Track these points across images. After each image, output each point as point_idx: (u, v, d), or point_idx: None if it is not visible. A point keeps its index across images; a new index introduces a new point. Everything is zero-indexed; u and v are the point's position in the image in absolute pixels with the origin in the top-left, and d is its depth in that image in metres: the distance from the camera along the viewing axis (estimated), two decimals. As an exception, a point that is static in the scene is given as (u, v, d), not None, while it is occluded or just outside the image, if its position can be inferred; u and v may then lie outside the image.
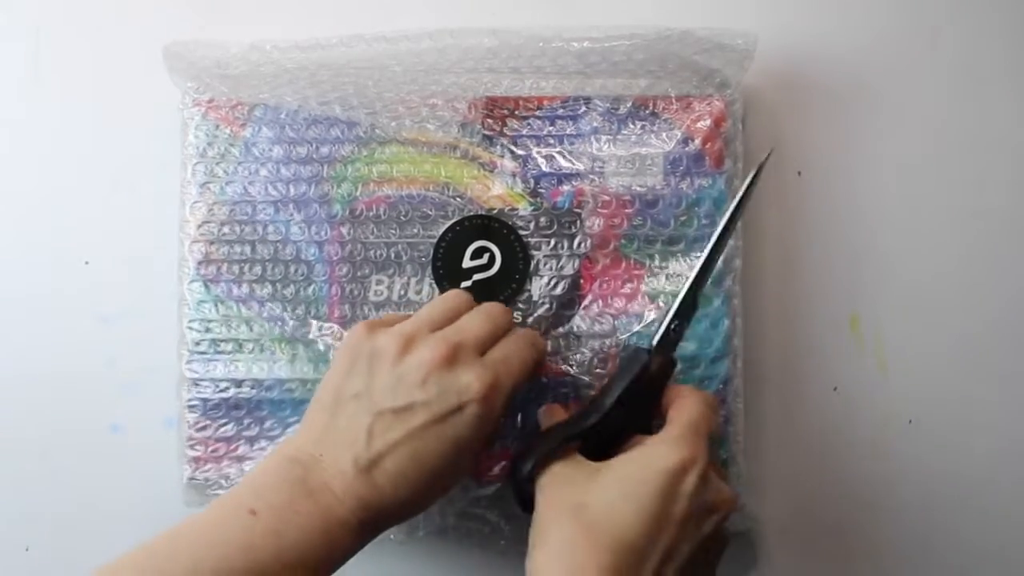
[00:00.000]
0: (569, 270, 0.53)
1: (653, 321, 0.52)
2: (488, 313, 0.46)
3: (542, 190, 0.53)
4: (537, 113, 0.53)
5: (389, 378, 0.43)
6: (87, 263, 0.58)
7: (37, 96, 0.59)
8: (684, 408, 0.45)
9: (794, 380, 0.57)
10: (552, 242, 0.53)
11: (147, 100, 0.57)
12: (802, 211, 0.58)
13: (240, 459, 0.53)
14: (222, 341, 0.53)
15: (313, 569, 0.41)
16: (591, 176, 0.53)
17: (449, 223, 0.53)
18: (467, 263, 0.53)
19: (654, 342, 0.48)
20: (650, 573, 0.41)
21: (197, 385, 0.53)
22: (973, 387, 0.58)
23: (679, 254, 0.53)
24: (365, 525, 0.42)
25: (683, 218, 0.53)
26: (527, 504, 0.45)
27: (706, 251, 0.49)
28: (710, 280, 0.51)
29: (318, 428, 0.44)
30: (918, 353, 0.58)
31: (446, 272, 0.53)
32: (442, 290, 0.53)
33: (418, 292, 0.52)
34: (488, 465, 0.52)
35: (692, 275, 0.48)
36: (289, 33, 0.54)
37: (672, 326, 0.48)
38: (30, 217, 0.58)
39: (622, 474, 0.43)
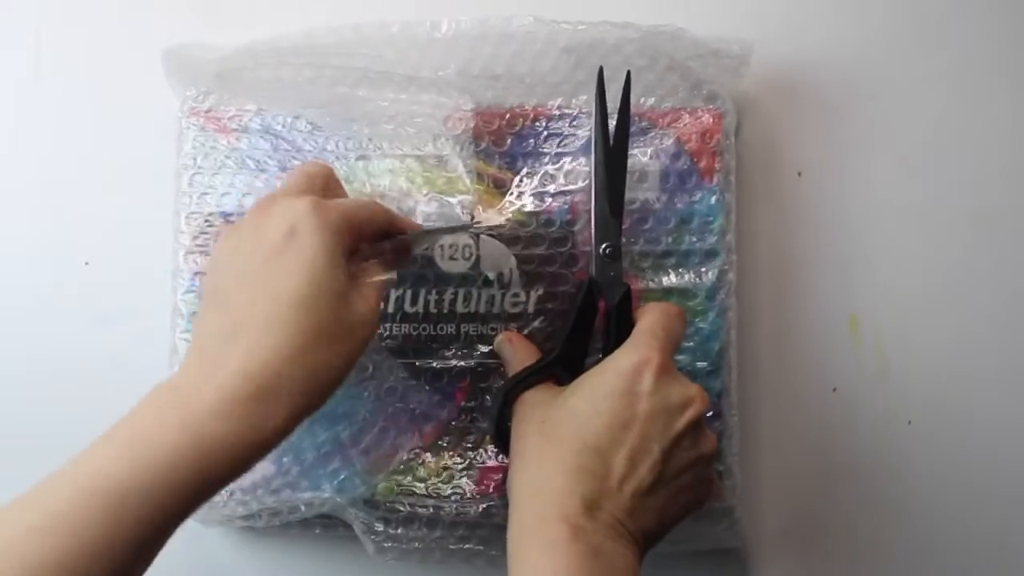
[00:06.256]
0: (563, 284, 0.52)
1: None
2: (303, 170, 0.44)
3: (536, 204, 0.52)
4: (530, 127, 0.53)
5: (225, 249, 0.42)
6: (87, 263, 0.58)
7: (38, 96, 0.59)
8: (643, 318, 0.46)
9: (793, 381, 0.58)
10: (545, 256, 0.52)
11: (148, 100, 0.57)
12: (802, 212, 0.58)
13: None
14: None
15: (195, 467, 0.37)
16: (584, 191, 0.52)
17: (444, 235, 0.52)
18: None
19: (592, 270, 0.49)
20: (620, 470, 0.42)
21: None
22: (973, 387, 0.58)
23: (670, 267, 0.53)
24: (246, 399, 0.37)
25: (674, 232, 0.53)
26: (503, 439, 0.47)
27: (593, 158, 0.49)
28: (707, 291, 0.52)
29: (188, 351, 0.41)
30: (918, 353, 0.58)
31: (436, 282, 0.52)
32: (436, 303, 0.52)
33: (413, 304, 0.52)
34: (481, 477, 0.52)
35: (593, 191, 0.49)
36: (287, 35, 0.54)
37: (603, 249, 0.49)
38: (30, 217, 0.59)
39: (583, 384, 0.45)
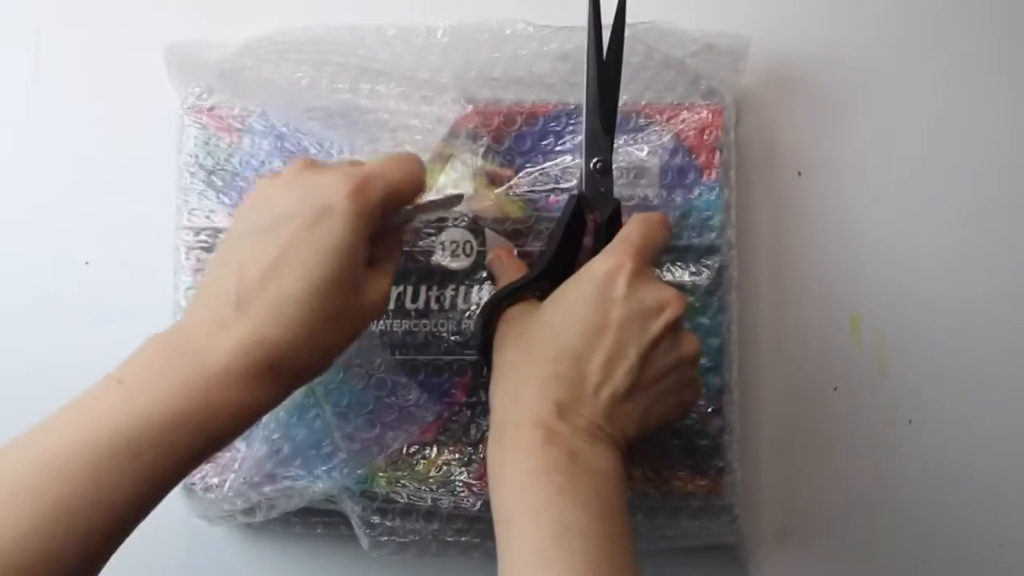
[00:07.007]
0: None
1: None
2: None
3: (537, 199, 0.53)
4: (530, 123, 0.53)
5: (252, 205, 0.42)
6: (87, 263, 0.58)
7: (38, 96, 0.59)
8: (624, 227, 0.46)
9: (794, 381, 0.58)
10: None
11: (149, 99, 0.57)
12: (802, 211, 0.58)
13: (231, 464, 0.52)
14: None
15: (198, 428, 0.38)
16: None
17: (437, 209, 0.52)
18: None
19: (581, 185, 0.48)
20: (596, 376, 0.42)
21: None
22: (973, 387, 0.58)
23: (669, 263, 0.53)
24: (257, 371, 0.39)
25: (673, 227, 0.52)
26: (487, 356, 0.47)
27: (587, 73, 0.48)
28: (706, 286, 0.52)
29: (193, 303, 0.42)
30: (918, 353, 0.58)
31: (440, 279, 0.52)
32: (438, 299, 0.52)
33: (414, 301, 0.52)
34: (481, 473, 0.52)
35: (585, 104, 0.48)
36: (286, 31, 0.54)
37: (594, 164, 0.48)
38: (31, 217, 0.58)
39: (559, 295, 0.45)
